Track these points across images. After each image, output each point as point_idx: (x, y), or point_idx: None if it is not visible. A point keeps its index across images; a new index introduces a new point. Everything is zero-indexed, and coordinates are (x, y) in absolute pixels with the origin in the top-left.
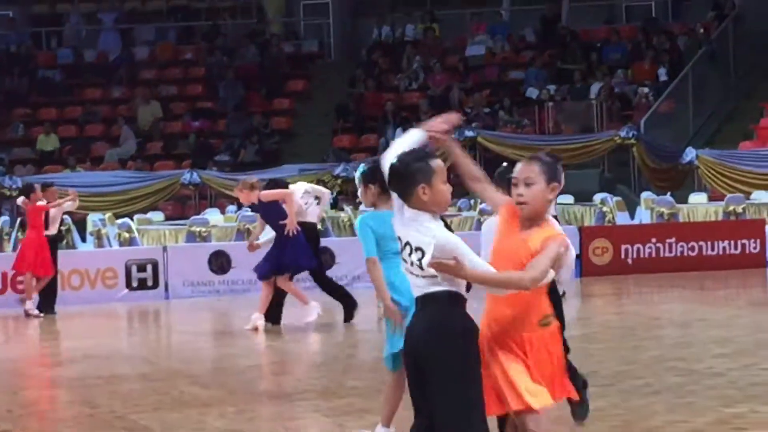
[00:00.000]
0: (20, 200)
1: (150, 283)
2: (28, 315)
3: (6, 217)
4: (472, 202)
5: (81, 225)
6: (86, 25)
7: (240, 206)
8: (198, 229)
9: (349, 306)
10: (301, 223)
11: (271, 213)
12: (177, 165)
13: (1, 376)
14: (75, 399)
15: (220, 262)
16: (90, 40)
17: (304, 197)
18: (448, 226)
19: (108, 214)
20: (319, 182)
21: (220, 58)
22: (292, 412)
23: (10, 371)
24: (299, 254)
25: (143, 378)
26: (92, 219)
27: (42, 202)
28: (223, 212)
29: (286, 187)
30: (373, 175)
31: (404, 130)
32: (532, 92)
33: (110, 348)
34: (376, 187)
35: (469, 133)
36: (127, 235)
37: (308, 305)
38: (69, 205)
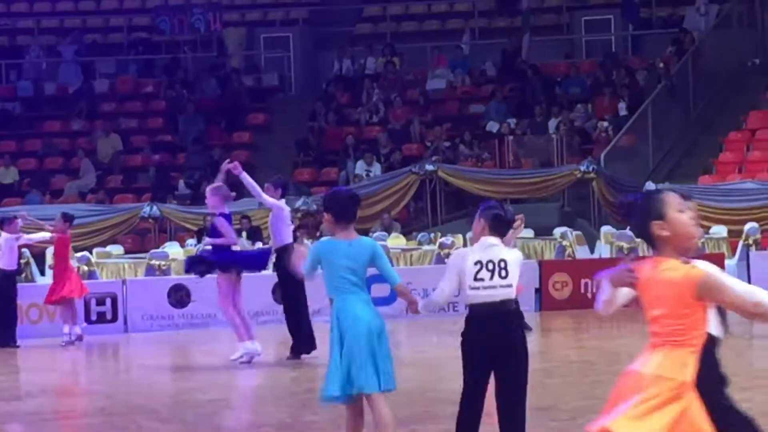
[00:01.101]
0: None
1: (109, 316)
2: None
3: None
4: (432, 236)
5: (40, 258)
6: (46, 57)
7: (199, 240)
8: (157, 263)
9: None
10: None
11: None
12: (137, 198)
13: None
14: None
15: (179, 296)
16: (50, 73)
17: None
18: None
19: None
20: None
21: (181, 92)
22: None
23: None
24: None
25: (101, 412)
26: (51, 252)
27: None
28: (182, 245)
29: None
30: (327, 203)
31: (365, 163)
32: (493, 126)
33: (68, 382)
34: (330, 216)
35: (429, 167)
36: (86, 268)
37: (242, 343)
38: (46, 237)
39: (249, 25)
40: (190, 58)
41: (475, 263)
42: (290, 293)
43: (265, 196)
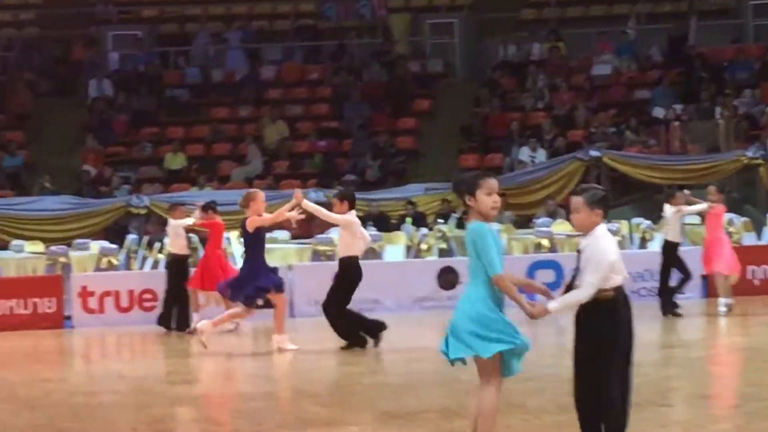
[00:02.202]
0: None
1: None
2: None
3: (134, 236)
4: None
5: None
6: (214, 44)
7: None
8: (323, 248)
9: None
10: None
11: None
12: (303, 184)
13: (127, 393)
14: (199, 417)
15: None
16: (217, 59)
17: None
18: None
19: (234, 233)
20: (444, 201)
21: (346, 78)
22: None
23: (136, 388)
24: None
25: (267, 396)
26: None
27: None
28: None
29: (353, 201)
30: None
31: (529, 149)
32: (659, 111)
33: (234, 366)
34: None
35: (594, 153)
36: None
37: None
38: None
39: (414, 12)
40: (355, 44)
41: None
42: (339, 300)
43: (329, 214)
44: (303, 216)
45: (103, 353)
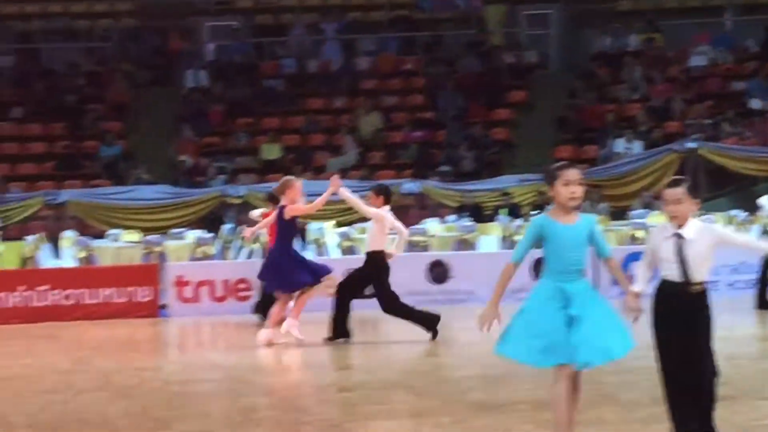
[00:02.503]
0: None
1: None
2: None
3: (230, 225)
4: None
5: (301, 234)
6: (309, 35)
7: (460, 216)
8: (417, 239)
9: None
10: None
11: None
12: (398, 174)
13: (220, 383)
14: (291, 407)
15: (438, 272)
16: (313, 50)
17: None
18: None
19: (329, 223)
20: (538, 193)
21: (441, 69)
22: (505, 424)
23: (229, 378)
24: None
25: (359, 387)
26: (313, 228)
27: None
28: (443, 222)
29: (388, 196)
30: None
31: (625, 140)
32: (755, 103)
33: (328, 356)
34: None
35: (690, 145)
36: (347, 243)
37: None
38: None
39: (510, 3)
40: (450, 35)
41: None
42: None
43: (363, 206)
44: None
45: (198, 342)
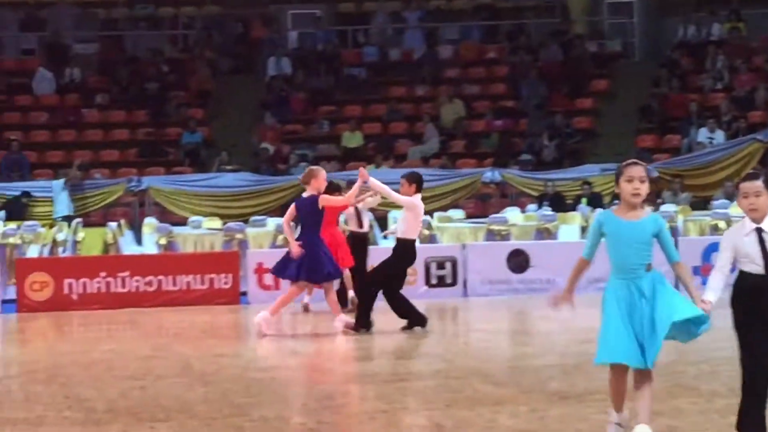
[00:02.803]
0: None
1: (449, 280)
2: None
3: None
4: None
5: (382, 222)
6: (392, 23)
7: (540, 205)
8: (497, 228)
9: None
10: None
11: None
12: (479, 163)
13: (299, 370)
14: (369, 395)
15: (518, 261)
16: (395, 39)
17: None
18: None
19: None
20: None
21: (524, 57)
22: (582, 413)
23: (308, 365)
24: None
25: (438, 375)
26: (393, 216)
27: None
28: (523, 211)
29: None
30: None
31: (708, 130)
32: None
33: (407, 345)
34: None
35: None
36: (426, 232)
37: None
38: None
39: None
40: (533, 23)
41: None
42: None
43: (395, 195)
44: (377, 198)
45: (277, 330)
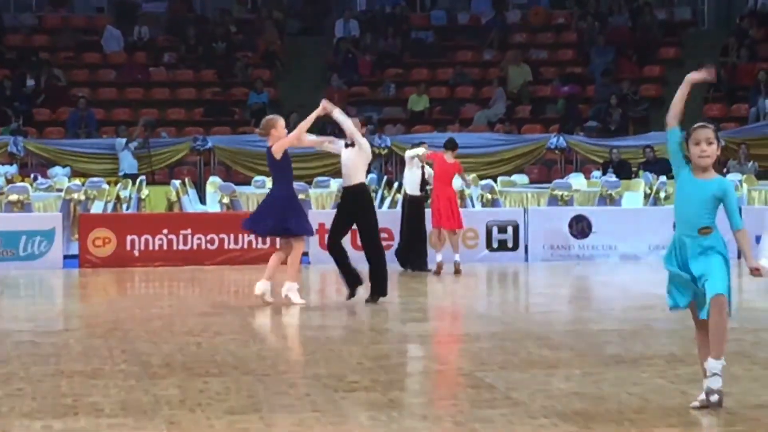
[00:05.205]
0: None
1: (510, 244)
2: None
3: (374, 175)
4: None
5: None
6: None
7: (605, 172)
8: (560, 193)
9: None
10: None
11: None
12: (544, 129)
13: (356, 329)
14: (425, 354)
15: (580, 227)
16: (463, 3)
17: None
18: None
19: (472, 176)
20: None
21: (592, 24)
22: (636, 377)
23: (366, 324)
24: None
25: (493, 337)
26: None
27: None
28: (587, 177)
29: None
30: None
31: None
32: None
33: (465, 307)
34: None
35: None
36: (489, 196)
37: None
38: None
39: None
40: None
41: None
42: (371, 233)
43: (358, 134)
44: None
45: (338, 289)
